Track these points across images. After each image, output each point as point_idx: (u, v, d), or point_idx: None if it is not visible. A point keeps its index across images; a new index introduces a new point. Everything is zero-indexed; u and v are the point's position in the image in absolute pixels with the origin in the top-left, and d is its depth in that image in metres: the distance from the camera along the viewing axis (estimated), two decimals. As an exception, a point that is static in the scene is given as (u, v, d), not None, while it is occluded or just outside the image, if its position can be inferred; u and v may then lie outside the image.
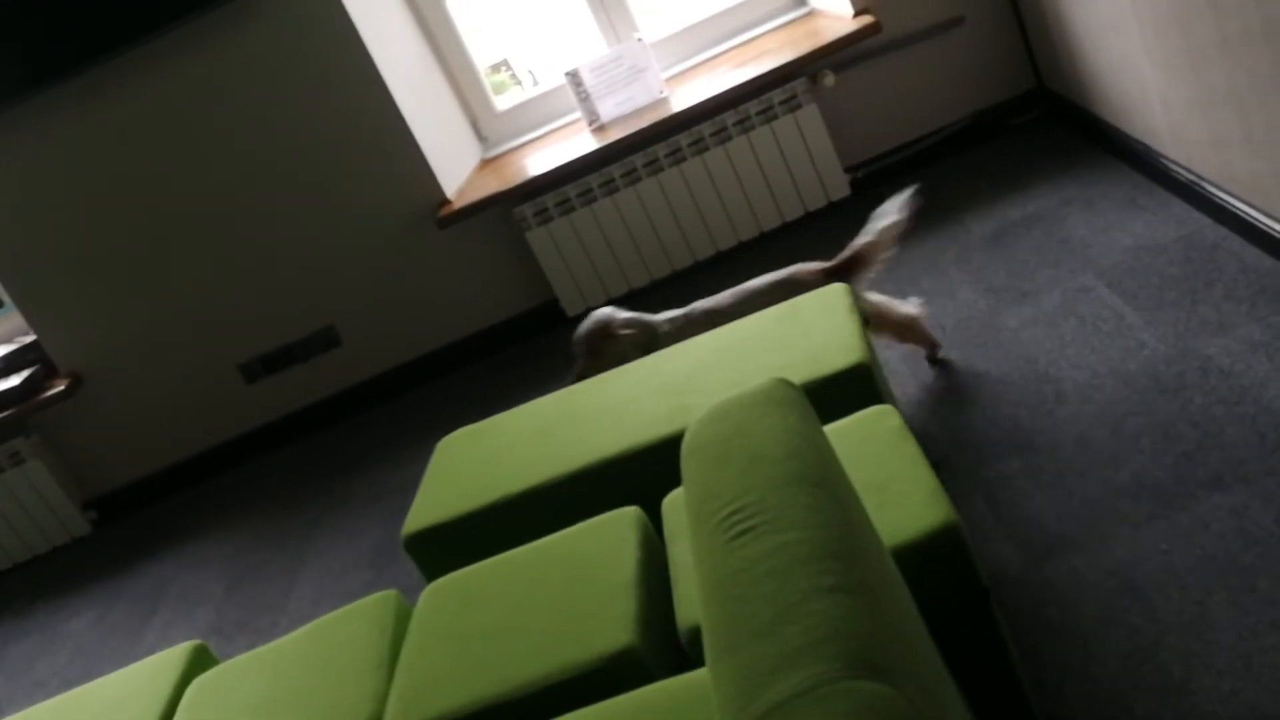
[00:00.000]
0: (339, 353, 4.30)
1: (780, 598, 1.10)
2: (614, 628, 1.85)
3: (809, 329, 2.42)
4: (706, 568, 1.25)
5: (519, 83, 4.87)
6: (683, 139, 3.99)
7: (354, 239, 4.16)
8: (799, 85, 3.92)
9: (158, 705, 2.24)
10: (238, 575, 3.60)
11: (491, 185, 4.12)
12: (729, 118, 3.96)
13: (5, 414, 4.14)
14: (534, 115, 4.43)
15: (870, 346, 2.34)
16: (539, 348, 4.19)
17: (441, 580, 2.21)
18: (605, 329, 2.94)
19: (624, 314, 2.98)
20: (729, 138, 3.98)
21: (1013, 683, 1.81)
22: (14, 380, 4.18)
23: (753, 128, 3.97)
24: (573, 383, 2.90)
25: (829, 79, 3.95)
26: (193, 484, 4.39)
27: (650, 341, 2.91)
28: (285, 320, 4.26)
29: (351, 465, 3.97)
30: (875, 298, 2.87)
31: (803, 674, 1.00)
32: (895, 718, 0.97)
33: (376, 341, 4.30)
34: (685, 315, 2.92)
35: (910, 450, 1.92)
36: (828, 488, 1.28)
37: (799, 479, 1.27)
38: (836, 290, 2.53)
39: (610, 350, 2.93)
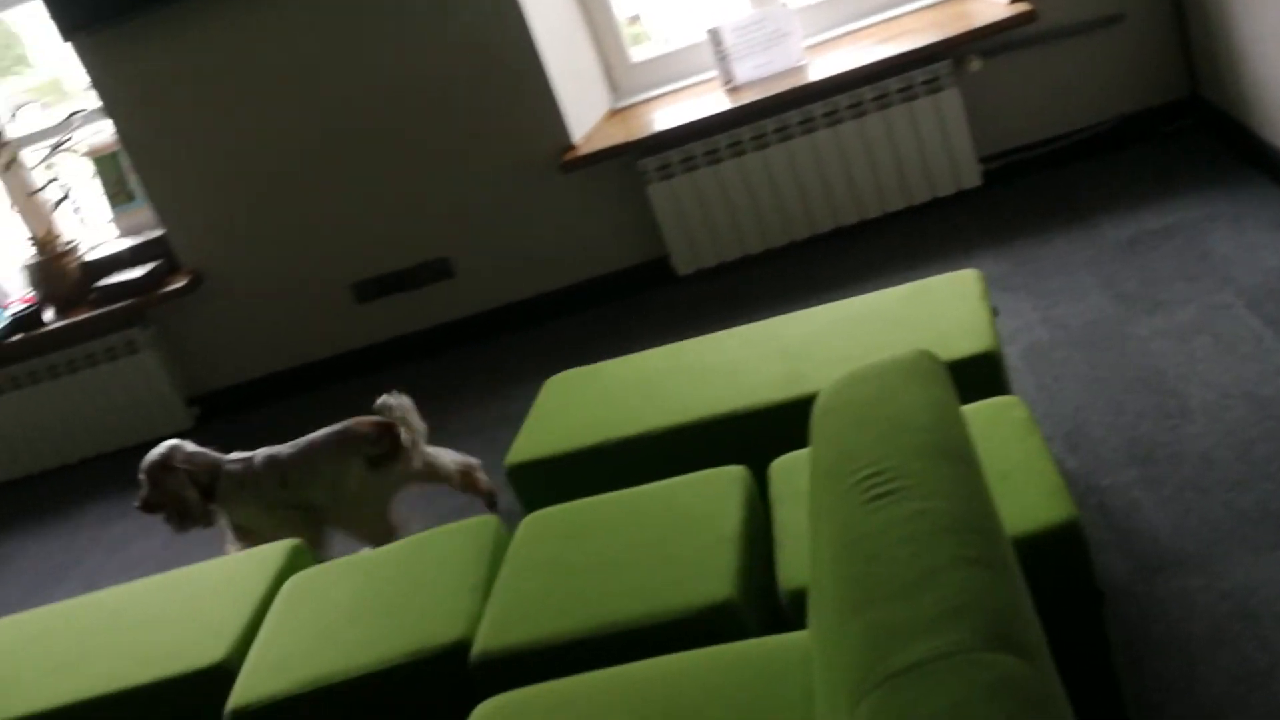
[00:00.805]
0: (450, 285, 4.35)
1: (919, 563, 1.09)
2: (713, 580, 1.85)
3: (937, 311, 2.39)
4: (838, 526, 1.24)
5: (650, 39, 4.85)
6: (817, 108, 3.94)
7: (477, 174, 4.19)
8: (943, 67, 3.84)
9: (255, 596, 2.30)
10: (330, 486, 3.67)
11: (618, 135, 4.12)
12: (867, 92, 3.90)
13: (126, 303, 4.26)
14: (668, 70, 4.40)
15: (998, 336, 2.30)
16: (644, 303, 4.19)
17: (541, 512, 2.23)
18: (166, 461, 2.90)
19: (190, 448, 2.93)
20: (864, 112, 3.92)
21: (1114, 692, 1.77)
22: (138, 272, 4.30)
23: (890, 105, 3.90)
24: (139, 509, 2.96)
25: (975, 64, 3.86)
26: (294, 394, 4.48)
27: (212, 480, 2.90)
28: (402, 246, 4.31)
29: (450, 395, 4.02)
30: (431, 450, 2.97)
31: (940, 640, 0.99)
32: (1029, 693, 0.96)
33: (487, 278, 4.33)
34: (249, 459, 2.92)
35: (1035, 443, 1.89)
36: (970, 463, 1.26)
37: (942, 450, 1.26)
38: (970, 276, 2.49)
39: (169, 483, 2.89)
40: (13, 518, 4.29)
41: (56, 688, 2.23)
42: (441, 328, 4.40)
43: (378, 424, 2.87)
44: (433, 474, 2.96)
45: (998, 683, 0.95)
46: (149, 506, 2.94)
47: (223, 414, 4.52)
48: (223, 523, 2.98)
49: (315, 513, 2.89)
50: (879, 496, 1.21)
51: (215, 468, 2.93)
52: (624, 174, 4.16)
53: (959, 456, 1.26)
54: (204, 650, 2.16)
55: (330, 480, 2.84)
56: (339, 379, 4.46)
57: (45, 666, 2.31)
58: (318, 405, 4.33)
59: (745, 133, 4.00)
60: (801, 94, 3.88)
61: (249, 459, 2.94)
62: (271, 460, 2.90)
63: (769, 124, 3.97)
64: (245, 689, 2.03)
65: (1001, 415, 1.96)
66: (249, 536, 2.93)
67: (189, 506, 2.90)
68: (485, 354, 4.26)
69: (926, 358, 1.47)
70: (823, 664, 1.27)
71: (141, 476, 2.93)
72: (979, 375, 2.16)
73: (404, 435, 2.86)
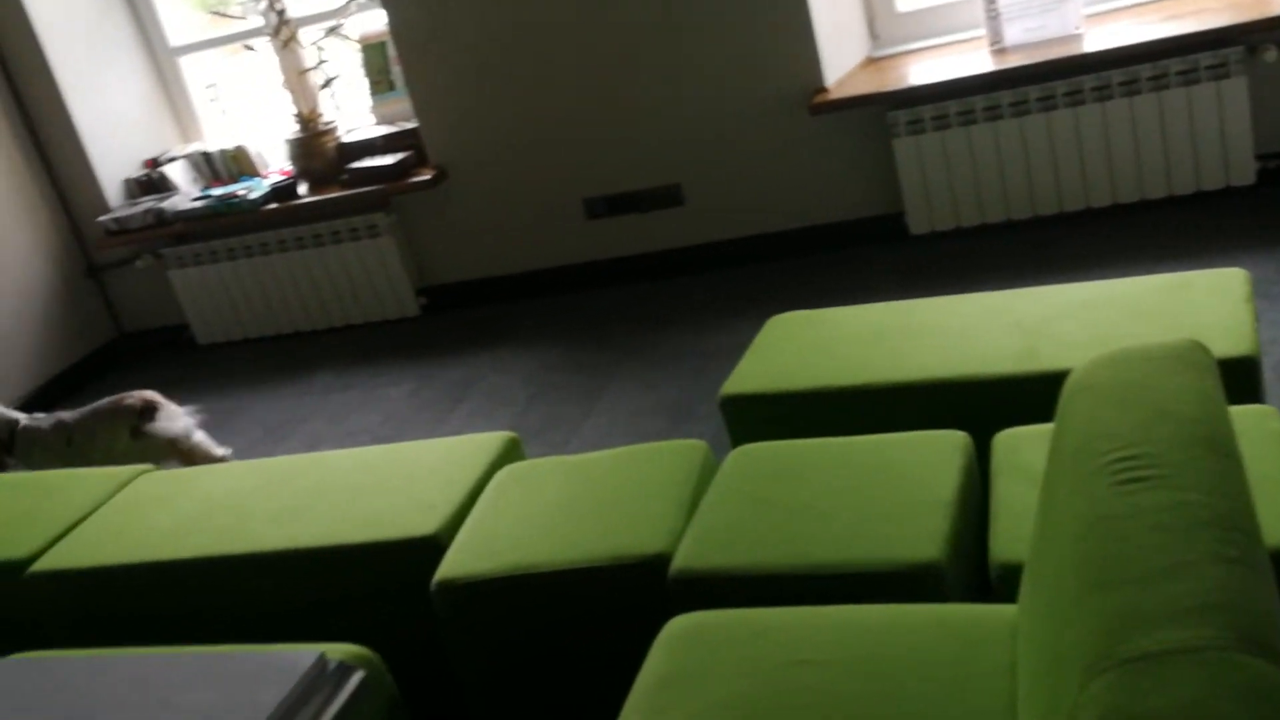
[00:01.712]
0: (679, 211, 4.38)
1: (1171, 553, 1.06)
2: (923, 540, 1.83)
3: (1196, 306, 2.27)
4: (1082, 505, 1.21)
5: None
6: (1087, 81, 3.76)
7: (723, 105, 4.19)
8: (1233, 54, 3.60)
9: (469, 479, 2.40)
10: (540, 389, 3.80)
11: (872, 84, 4.04)
12: (1144, 70, 3.70)
13: (374, 188, 4.47)
14: (933, 23, 4.27)
15: (1259, 342, 2.17)
16: (871, 257, 4.13)
17: (752, 446, 2.25)
18: None
19: None
20: (1138, 91, 3.72)
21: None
22: (388, 159, 4.49)
23: (1167, 87, 3.69)
24: None
25: (1271, 54, 3.61)
26: (516, 298, 4.63)
27: (10, 436, 3.38)
28: (637, 168, 4.36)
29: (665, 320, 4.08)
30: (199, 436, 3.39)
31: (1188, 633, 0.96)
32: (1278, 701, 0.92)
33: (716, 210, 4.35)
34: (41, 420, 3.40)
35: (1289, 457, 1.78)
36: (1235, 460, 1.21)
37: (1207, 444, 1.20)
38: (1236, 275, 2.35)
39: None
40: (249, 373, 4.61)
41: (280, 533, 2.39)
42: (664, 253, 4.45)
43: (144, 399, 3.36)
44: (190, 456, 3.35)
45: (1246, 686, 0.92)
46: None
47: (446, 308, 4.71)
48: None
49: None
50: (1132, 480, 1.17)
51: (13, 425, 3.43)
52: (871, 124, 4.08)
53: (1224, 452, 1.20)
54: (417, 521, 2.28)
55: (105, 443, 3.32)
56: (560, 290, 4.57)
57: (271, 512, 2.48)
58: (538, 310, 4.47)
59: (1005, 97, 3.86)
60: (1073, 64, 3.72)
61: (44, 418, 3.44)
62: (59, 423, 3.39)
63: (1032, 91, 3.82)
64: (453, 563, 2.13)
65: (1257, 424, 1.86)
66: None
67: None
68: (704, 285, 4.29)
69: (1198, 348, 1.41)
70: (1043, 641, 1.25)
71: None
72: (1236, 379, 2.03)
73: (161, 416, 3.34)
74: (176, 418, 3.40)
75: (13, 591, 2.54)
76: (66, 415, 3.42)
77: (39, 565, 2.53)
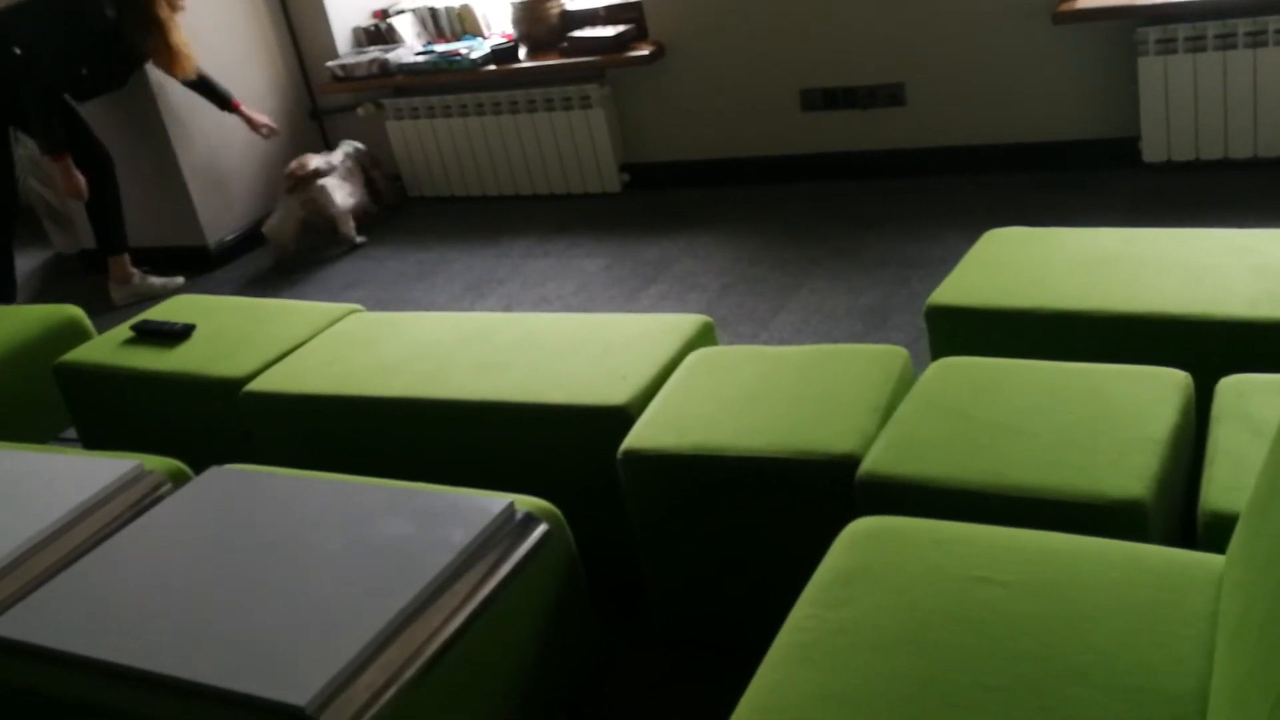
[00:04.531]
0: (900, 112, 4.24)
1: None
2: (1130, 476, 1.76)
3: None
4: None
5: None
6: (1371, 13, 3.43)
7: (960, 5, 4.00)
8: None
9: (662, 357, 2.42)
10: (734, 279, 3.78)
11: (1127, -5, 3.78)
12: None
13: (591, 59, 4.47)
14: (1203, -66, 3.95)
15: None
16: (1098, 181, 3.92)
17: (956, 359, 2.19)
18: None
19: None
20: None
21: None
22: (609, 31, 4.48)
23: None
24: None
25: None
26: (720, 184, 4.59)
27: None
28: (861, 63, 4.23)
29: (872, 223, 3.98)
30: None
31: None
32: None
33: (940, 114, 4.19)
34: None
35: None
36: None
37: None
38: None
39: None
40: (454, 229, 4.74)
41: (478, 384, 2.47)
42: (880, 154, 4.33)
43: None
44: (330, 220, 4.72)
45: None
46: None
47: (649, 186, 4.72)
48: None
49: None
50: (1395, 440, 1.09)
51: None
52: (1118, 38, 3.83)
53: None
54: (609, 391, 2.32)
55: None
56: (767, 181, 4.51)
57: (471, 364, 2.56)
58: (742, 198, 4.42)
59: (1272, 23, 3.57)
60: (1358, -9, 3.39)
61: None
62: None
63: (1306, 18, 3.51)
64: (640, 435, 2.17)
65: None
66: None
67: None
68: (918, 191, 4.16)
69: None
70: (1258, 595, 1.19)
71: None
72: None
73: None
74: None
75: (229, 407, 2.71)
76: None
77: (253, 385, 2.70)
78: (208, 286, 4.57)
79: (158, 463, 2.34)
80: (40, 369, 3.14)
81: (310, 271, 4.59)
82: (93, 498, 2.18)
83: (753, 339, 3.39)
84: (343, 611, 1.75)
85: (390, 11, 5.07)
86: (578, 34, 4.54)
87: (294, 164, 4.62)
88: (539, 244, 4.40)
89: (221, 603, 1.84)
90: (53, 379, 3.08)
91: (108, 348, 3.04)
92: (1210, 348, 2.15)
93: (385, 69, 4.84)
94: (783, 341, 3.33)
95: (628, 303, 3.76)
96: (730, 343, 3.34)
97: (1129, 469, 1.78)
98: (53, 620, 1.88)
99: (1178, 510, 1.90)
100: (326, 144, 5.24)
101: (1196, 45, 3.67)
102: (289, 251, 4.67)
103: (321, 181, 4.58)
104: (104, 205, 4.48)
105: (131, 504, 2.20)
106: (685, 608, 2.25)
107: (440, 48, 4.81)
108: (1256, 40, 3.59)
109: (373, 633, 1.68)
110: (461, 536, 1.85)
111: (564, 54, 4.56)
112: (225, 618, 1.80)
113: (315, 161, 4.61)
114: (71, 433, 3.25)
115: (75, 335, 3.32)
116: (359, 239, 4.73)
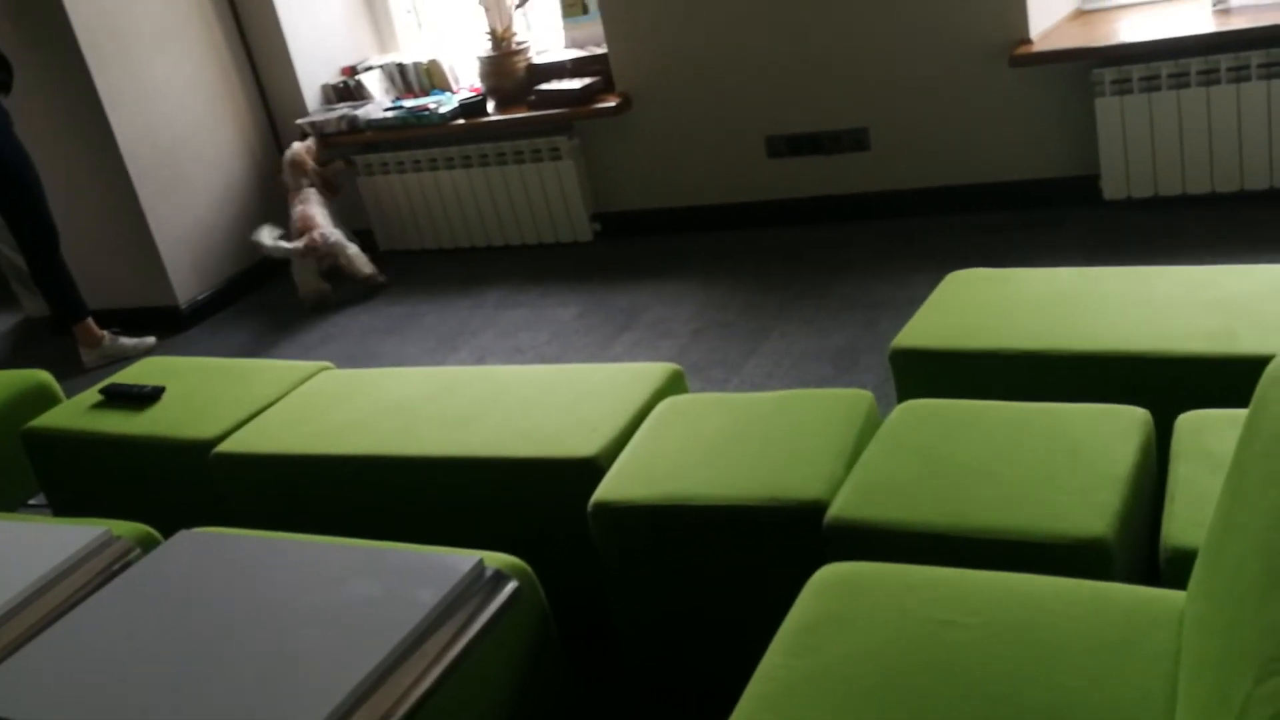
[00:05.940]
0: (864, 157, 4.30)
1: (1373, 556, 1.00)
2: (1092, 514, 1.78)
3: None
4: (1277, 496, 1.15)
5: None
6: (1318, 50, 3.51)
7: (918, 50, 4.07)
8: None
9: (631, 407, 2.43)
10: (705, 325, 3.81)
11: (1079, 38, 3.86)
12: (1385, 41, 3.43)
13: (559, 111, 4.52)
14: (1153, -23, 4.05)
15: None
16: (1059, 219, 3.97)
17: (920, 401, 2.21)
18: None
19: None
20: (1375, 64, 3.46)
21: None
22: (576, 83, 4.52)
23: None
24: None
25: None
26: (689, 231, 4.63)
27: None
28: (823, 108, 4.29)
29: (839, 266, 4.02)
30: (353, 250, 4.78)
31: (1384, 641, 0.91)
32: None
33: (904, 158, 4.25)
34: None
35: None
36: None
37: None
38: None
39: None
40: (426, 282, 4.75)
41: (447, 439, 2.47)
42: (844, 198, 4.38)
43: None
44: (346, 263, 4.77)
45: None
46: None
47: (620, 235, 4.75)
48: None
49: None
50: (1337, 476, 1.11)
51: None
52: (1074, 80, 3.91)
53: None
54: (579, 442, 2.33)
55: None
56: (735, 228, 4.55)
57: (440, 418, 2.56)
58: (709, 245, 4.46)
59: (1224, 61, 3.64)
60: (1305, 29, 3.47)
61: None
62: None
63: (1254, 57, 3.60)
64: (610, 487, 2.17)
65: None
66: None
67: None
68: (883, 234, 4.21)
69: None
70: (1216, 630, 1.20)
71: None
72: None
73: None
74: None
75: (200, 469, 2.70)
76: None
77: (223, 446, 2.69)
78: (180, 346, 4.56)
79: (126, 528, 2.33)
80: (8, 435, 3.12)
81: (282, 328, 4.59)
82: (59, 566, 2.16)
83: (725, 384, 3.41)
84: (312, 674, 1.75)
85: (359, 68, 5.11)
86: (545, 87, 4.59)
87: (306, 239, 4.66)
88: (512, 295, 4.42)
89: (191, 667, 1.83)
90: (20, 445, 3.07)
91: (76, 412, 3.03)
92: (1169, 384, 2.18)
93: (355, 125, 4.87)
94: (755, 385, 3.35)
95: (601, 350, 3.77)
96: (703, 388, 3.36)
97: (1091, 507, 1.79)
98: (21, 692, 1.86)
99: (1141, 547, 1.91)
100: (297, 201, 5.26)
101: (1151, 85, 3.74)
102: (327, 295, 4.74)
103: (330, 241, 4.70)
104: (52, 280, 4.43)
105: (99, 571, 2.19)
106: (658, 656, 2.25)
107: (409, 103, 4.85)
108: (1209, 79, 3.66)
109: (342, 695, 1.68)
110: (430, 596, 1.85)
111: (532, 107, 4.60)
112: (195, 682, 1.79)
113: (318, 219, 4.73)
114: (41, 498, 3.23)
115: (43, 400, 3.31)
116: (380, 277, 4.81)
